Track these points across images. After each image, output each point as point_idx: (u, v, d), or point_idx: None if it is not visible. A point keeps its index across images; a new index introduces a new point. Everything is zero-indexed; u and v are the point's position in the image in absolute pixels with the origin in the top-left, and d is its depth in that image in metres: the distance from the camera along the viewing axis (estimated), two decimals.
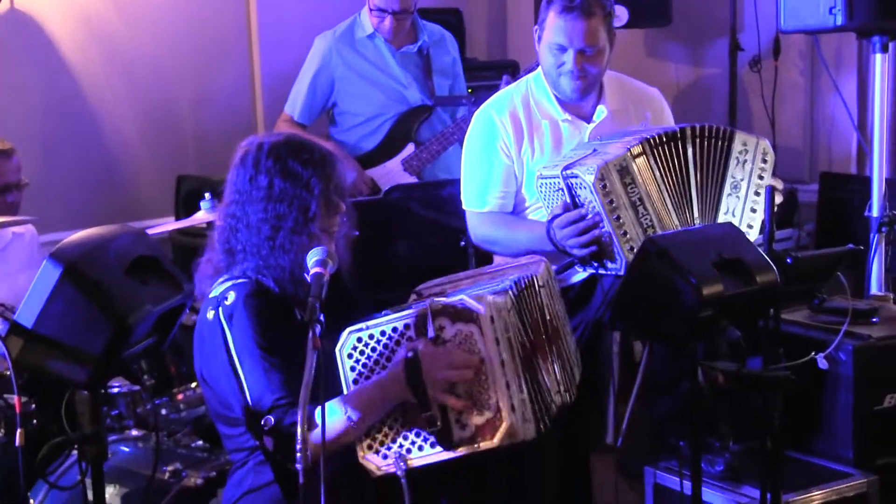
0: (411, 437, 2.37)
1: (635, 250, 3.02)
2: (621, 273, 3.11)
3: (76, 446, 2.24)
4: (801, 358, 3.17)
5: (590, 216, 3.11)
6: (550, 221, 3.20)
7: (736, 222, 3.14)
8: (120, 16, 4.73)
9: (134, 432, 3.23)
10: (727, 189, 3.21)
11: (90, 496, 2.26)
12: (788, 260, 3.02)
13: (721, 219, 3.19)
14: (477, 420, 2.33)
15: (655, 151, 3.14)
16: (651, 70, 5.26)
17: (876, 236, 4.18)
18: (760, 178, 3.21)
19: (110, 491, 2.82)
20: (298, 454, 2.13)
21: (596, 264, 3.17)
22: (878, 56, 4.18)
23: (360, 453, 2.41)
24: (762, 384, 2.81)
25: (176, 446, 3.20)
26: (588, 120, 3.44)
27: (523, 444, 2.40)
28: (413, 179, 4.24)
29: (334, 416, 2.37)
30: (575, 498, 3.37)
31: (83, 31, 4.63)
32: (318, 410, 2.35)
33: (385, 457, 2.38)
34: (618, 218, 3.07)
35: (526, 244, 3.31)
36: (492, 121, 3.44)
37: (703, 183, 3.19)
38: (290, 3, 5.21)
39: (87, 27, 4.64)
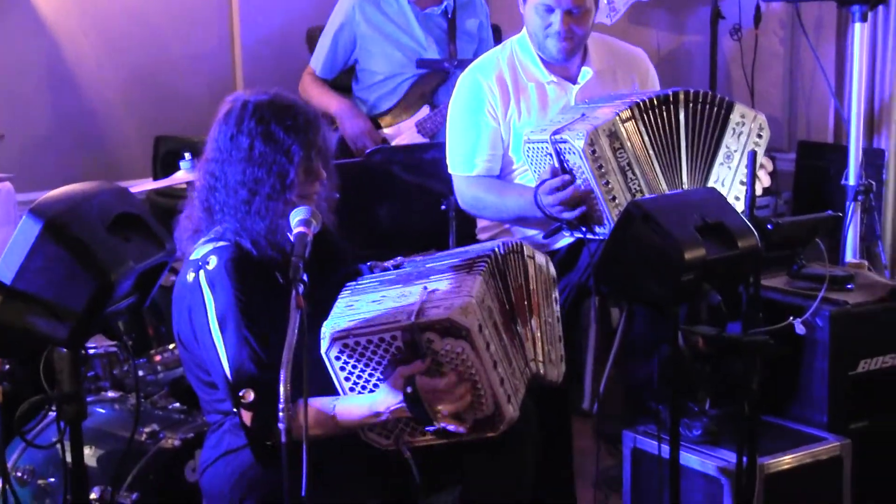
0: (415, 432, 2.42)
1: None
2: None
3: (54, 405, 2.22)
4: (779, 323, 3.19)
5: (578, 181, 3.10)
6: (538, 187, 3.19)
7: (724, 192, 3.15)
8: None
9: (110, 394, 3.21)
10: (720, 158, 3.21)
11: (68, 456, 2.24)
12: (769, 226, 3.04)
13: (710, 186, 3.19)
14: (477, 416, 2.39)
15: (645, 116, 3.14)
16: (633, 37, 5.23)
17: (852, 204, 4.22)
18: (753, 152, 3.21)
19: (87, 452, 2.79)
20: (281, 415, 2.13)
21: (584, 229, 3.17)
22: (858, 25, 4.20)
23: (362, 434, 2.43)
24: (741, 349, 2.83)
25: (153, 408, 3.18)
26: (573, 81, 3.43)
27: None
28: (426, 142, 4.21)
29: (317, 415, 2.40)
30: (554, 462, 3.37)
31: None
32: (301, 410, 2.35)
33: (387, 437, 2.42)
34: (607, 183, 3.07)
35: (515, 209, 3.31)
36: (478, 84, 3.42)
37: (694, 148, 3.19)
38: None
39: None
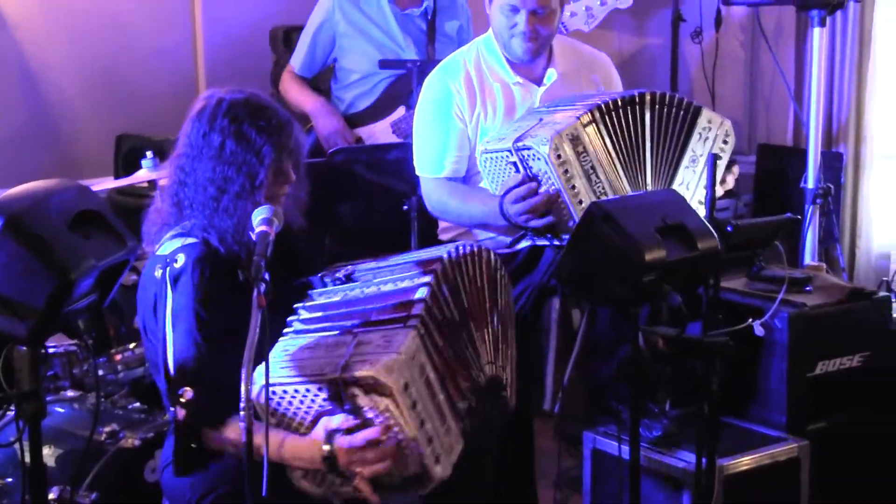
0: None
1: None
2: None
3: (13, 404, 2.20)
4: (739, 324, 3.21)
5: (544, 188, 3.11)
6: (503, 196, 3.19)
7: (689, 196, 3.17)
8: None
9: (70, 393, 3.18)
10: (685, 161, 3.24)
11: (27, 456, 2.22)
12: (729, 228, 3.05)
13: (675, 189, 3.20)
14: (405, 473, 2.36)
15: (607, 118, 3.15)
16: (595, 39, 5.21)
17: (811, 207, 4.26)
18: (718, 157, 3.22)
19: (45, 451, 2.74)
20: (242, 411, 2.12)
21: (549, 235, 3.18)
22: (817, 30, 4.24)
23: (294, 481, 2.40)
24: (702, 350, 2.85)
25: (113, 407, 3.17)
26: (539, 83, 3.45)
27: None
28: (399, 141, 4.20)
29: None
30: (516, 462, 3.38)
31: None
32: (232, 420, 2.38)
33: (319, 486, 2.39)
34: (573, 187, 3.08)
35: (479, 217, 3.32)
36: (446, 86, 3.43)
37: (659, 151, 3.21)
38: None
39: None
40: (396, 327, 2.37)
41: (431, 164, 3.44)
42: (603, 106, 3.15)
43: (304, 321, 2.49)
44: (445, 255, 2.54)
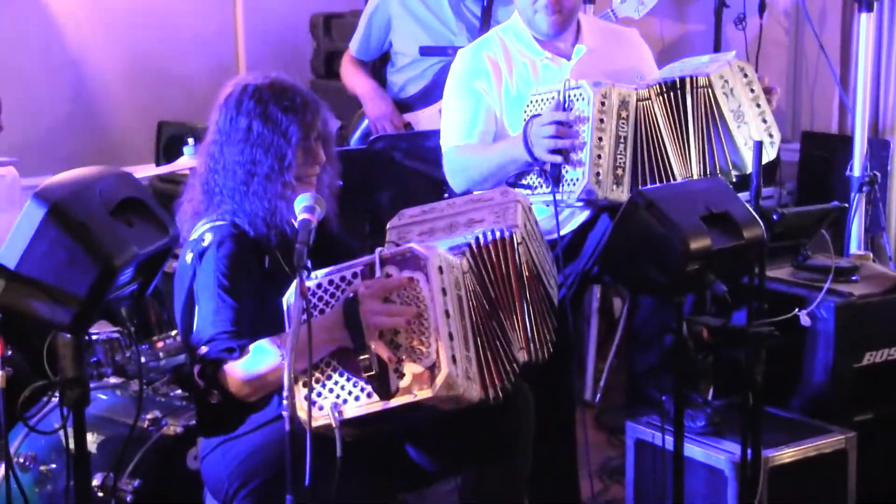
0: (348, 386, 2.29)
1: (599, 178, 3.05)
2: (576, 196, 3.09)
3: (57, 391, 2.21)
4: (784, 314, 3.17)
5: (576, 126, 3.09)
6: (534, 117, 3.16)
7: (760, 134, 3.18)
8: None
9: (112, 380, 3.20)
10: (733, 123, 3.22)
11: (71, 442, 2.23)
12: (775, 216, 3.03)
13: (745, 151, 3.20)
14: (415, 368, 2.26)
15: (660, 99, 3.17)
16: (637, 25, 5.22)
17: (857, 196, 4.20)
18: (752, 90, 3.23)
19: (88, 438, 2.76)
20: (284, 399, 2.11)
21: (552, 178, 3.13)
22: (864, 15, 4.17)
23: (297, 400, 2.30)
24: (747, 340, 2.81)
25: (155, 394, 3.17)
26: (568, 59, 3.43)
27: (469, 405, 2.35)
28: None
29: (266, 354, 2.35)
30: (557, 451, 3.37)
31: None
32: (254, 345, 2.35)
33: (321, 407, 2.28)
34: (600, 139, 3.08)
35: (499, 155, 3.26)
36: (470, 60, 3.43)
37: (701, 131, 3.21)
38: None
39: None
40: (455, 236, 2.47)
41: (455, 135, 3.39)
42: (657, 86, 3.17)
43: None
44: (473, 241, 2.53)
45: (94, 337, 3.19)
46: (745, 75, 3.25)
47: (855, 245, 4.21)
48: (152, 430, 2.94)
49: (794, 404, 3.33)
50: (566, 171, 3.11)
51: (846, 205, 4.10)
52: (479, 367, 2.38)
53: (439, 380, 2.24)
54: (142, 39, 4.81)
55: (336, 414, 2.27)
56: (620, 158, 3.11)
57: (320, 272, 2.35)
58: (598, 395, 4.30)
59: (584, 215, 3.35)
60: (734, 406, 3.15)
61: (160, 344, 3.28)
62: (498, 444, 2.64)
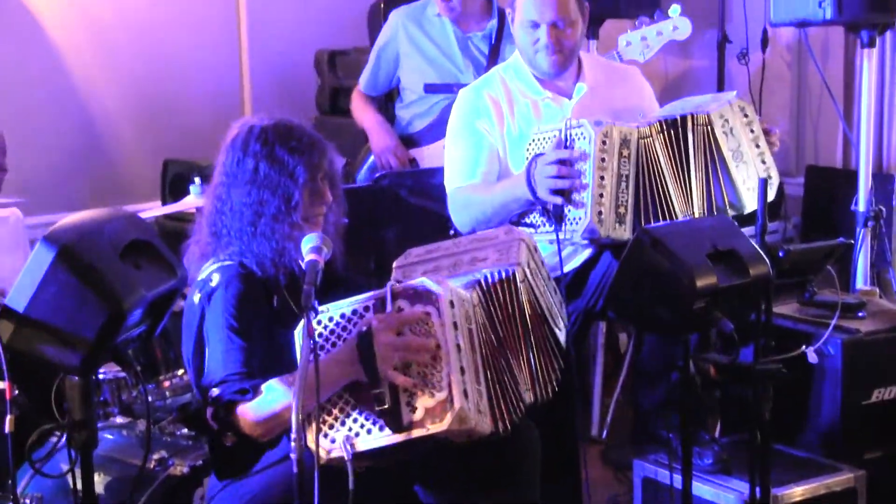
0: (360, 419, 2.30)
1: (602, 217, 3.06)
2: (579, 235, 3.10)
3: (65, 433, 2.21)
4: (791, 351, 3.17)
5: (577, 165, 3.10)
6: (536, 158, 3.17)
7: (756, 178, 3.16)
8: None
9: (118, 419, 3.19)
10: (731, 163, 3.23)
11: (79, 484, 2.22)
12: (781, 253, 3.03)
13: (743, 192, 3.22)
14: (427, 402, 2.27)
15: (661, 136, 3.18)
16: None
17: (862, 230, 4.20)
18: (752, 131, 3.24)
19: (95, 479, 2.77)
20: (293, 441, 2.11)
21: (555, 217, 3.14)
22: (867, 51, 4.19)
23: (308, 437, 2.32)
24: (754, 377, 2.81)
25: (161, 434, 3.16)
26: (569, 97, 3.44)
27: (479, 438, 2.35)
28: None
29: (279, 394, 2.35)
30: (563, 488, 3.35)
31: (70, 13, 4.58)
32: (266, 385, 2.35)
33: (333, 440, 2.30)
34: (602, 178, 3.09)
35: (502, 194, 3.27)
36: (471, 100, 3.45)
37: (702, 169, 3.22)
38: None
39: (75, 10, 4.60)
40: (461, 274, 2.49)
41: (459, 175, 3.40)
42: (658, 124, 3.18)
43: None
44: (482, 279, 2.53)
45: (100, 376, 3.18)
46: (746, 115, 3.27)
47: (861, 280, 4.20)
48: (158, 470, 2.92)
49: (803, 442, 3.32)
50: (569, 211, 3.12)
51: (852, 241, 4.10)
52: (489, 401, 2.38)
53: (452, 414, 2.25)
54: (147, 77, 4.83)
55: (348, 447, 2.28)
56: (622, 197, 3.11)
57: (332, 305, 2.36)
58: (605, 431, 4.28)
59: (586, 253, 3.35)
60: (742, 443, 3.14)
61: (166, 383, 3.28)
62: (505, 472, 2.63)
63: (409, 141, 4.29)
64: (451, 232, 3.66)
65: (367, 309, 2.33)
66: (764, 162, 3.25)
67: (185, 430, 3.18)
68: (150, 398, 3.28)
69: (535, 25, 3.32)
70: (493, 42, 4.21)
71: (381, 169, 4.22)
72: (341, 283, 2.73)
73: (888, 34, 4.50)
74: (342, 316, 2.34)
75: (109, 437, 3.07)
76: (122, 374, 3.22)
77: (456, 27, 4.21)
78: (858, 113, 4.32)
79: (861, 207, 4.21)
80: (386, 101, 4.48)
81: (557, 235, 3.14)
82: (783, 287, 3.33)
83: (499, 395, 2.43)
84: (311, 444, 2.24)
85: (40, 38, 4.53)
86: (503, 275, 2.53)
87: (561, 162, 3.10)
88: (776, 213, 4.69)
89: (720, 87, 5.13)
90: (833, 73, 4.91)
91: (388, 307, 2.32)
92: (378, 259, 3.88)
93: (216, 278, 2.52)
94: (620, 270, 2.85)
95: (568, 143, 3.13)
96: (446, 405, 2.26)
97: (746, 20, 5.08)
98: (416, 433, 2.27)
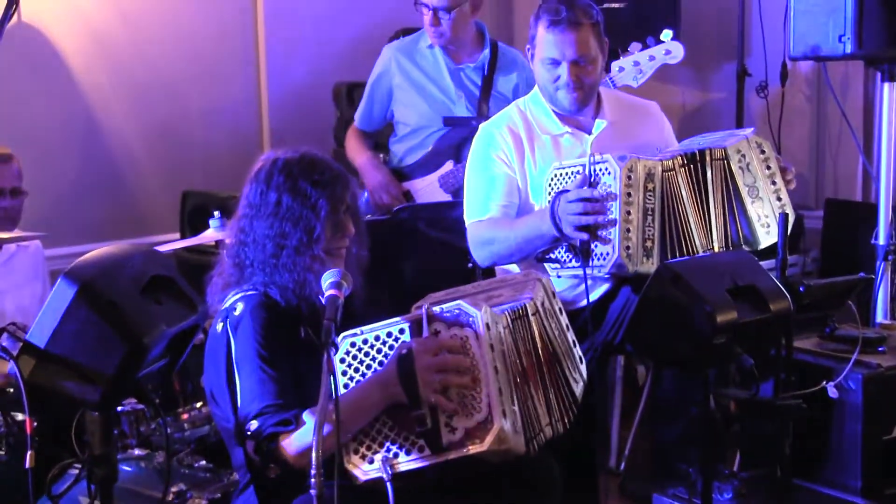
0: (399, 440, 2.33)
1: (630, 252, 3.06)
2: (606, 270, 3.10)
3: (84, 467, 2.21)
4: (811, 386, 3.15)
5: (603, 201, 3.10)
6: (560, 194, 3.17)
7: (772, 215, 3.20)
8: (127, 30, 4.72)
9: (137, 451, 3.19)
10: (747, 198, 3.24)
11: None
12: (801, 288, 3.02)
13: (758, 228, 3.24)
14: (467, 423, 2.30)
15: (683, 170, 3.19)
16: (658, 93, 5.23)
17: (882, 264, 4.18)
18: (769, 167, 3.24)
19: None
20: (313, 478, 2.10)
21: (581, 253, 3.14)
22: (887, 85, 4.18)
23: (346, 458, 2.35)
24: (774, 412, 2.80)
25: (180, 466, 3.17)
26: (588, 133, 3.45)
27: (515, 459, 2.37)
28: (448, 197, 4.19)
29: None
30: None
31: (91, 45, 4.61)
32: (305, 415, 2.35)
33: (371, 461, 2.33)
34: (628, 213, 3.09)
35: (526, 230, 3.27)
36: (491, 134, 3.46)
37: (720, 204, 3.23)
38: (297, 19, 5.21)
39: (95, 41, 4.63)
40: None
41: (478, 208, 3.41)
42: (679, 157, 3.19)
43: None
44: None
45: (119, 408, 3.19)
46: (763, 151, 3.27)
47: (881, 314, 4.17)
48: (177, 502, 2.93)
49: (823, 477, 3.29)
50: (595, 246, 3.12)
51: (872, 276, 4.08)
52: (522, 421, 2.40)
53: (491, 435, 2.28)
54: (167, 109, 4.85)
55: (388, 468, 2.30)
56: (649, 230, 3.12)
57: (364, 328, 2.39)
58: (623, 464, 4.26)
59: (604, 286, 3.35)
60: (762, 478, 3.13)
61: (185, 415, 3.28)
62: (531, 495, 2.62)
63: (402, 174, 4.29)
64: (470, 265, 3.66)
65: (401, 331, 2.35)
66: (780, 199, 3.26)
67: (204, 463, 3.19)
68: (168, 430, 3.28)
69: (556, 63, 3.33)
70: (485, 73, 4.21)
71: (375, 206, 4.21)
72: (359, 319, 2.73)
73: None
74: (376, 338, 2.37)
75: (127, 468, 3.08)
76: (141, 406, 3.22)
77: (448, 59, 4.22)
78: (878, 146, 4.31)
79: (881, 241, 4.19)
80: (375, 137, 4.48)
81: (584, 271, 3.14)
82: (803, 322, 3.31)
83: (529, 413, 2.45)
84: (349, 466, 2.30)
85: (63, 72, 4.56)
86: (515, 307, 2.55)
87: (586, 199, 3.11)
88: (795, 246, 4.68)
89: (739, 120, 5.13)
90: (852, 107, 4.91)
91: (425, 330, 2.34)
92: (393, 292, 3.88)
93: (240, 307, 2.53)
94: (640, 305, 2.85)
95: (593, 179, 3.13)
96: (486, 426, 2.29)
97: (766, 53, 5.09)
98: (456, 453, 2.30)
